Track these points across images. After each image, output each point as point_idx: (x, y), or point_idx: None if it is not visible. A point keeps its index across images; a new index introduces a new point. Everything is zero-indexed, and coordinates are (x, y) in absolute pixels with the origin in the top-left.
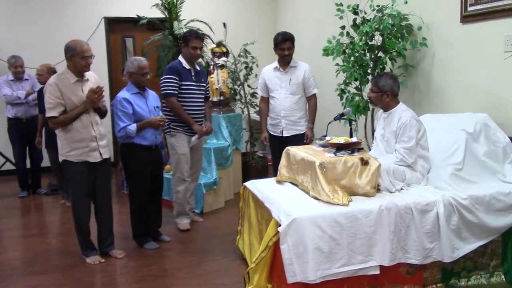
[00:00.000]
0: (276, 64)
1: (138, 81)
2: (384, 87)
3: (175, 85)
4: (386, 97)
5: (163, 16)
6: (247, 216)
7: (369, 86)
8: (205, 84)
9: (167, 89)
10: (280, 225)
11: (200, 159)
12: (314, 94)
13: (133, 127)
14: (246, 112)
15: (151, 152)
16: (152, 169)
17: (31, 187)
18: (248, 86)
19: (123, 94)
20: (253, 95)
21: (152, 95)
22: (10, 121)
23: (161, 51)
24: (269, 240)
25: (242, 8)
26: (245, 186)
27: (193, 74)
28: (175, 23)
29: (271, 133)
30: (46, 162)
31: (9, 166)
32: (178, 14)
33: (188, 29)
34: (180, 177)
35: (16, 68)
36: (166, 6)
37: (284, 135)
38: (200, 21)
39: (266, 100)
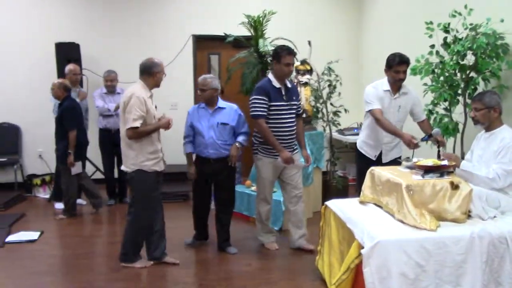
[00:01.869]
0: (387, 86)
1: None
2: (490, 102)
3: (264, 106)
4: (494, 112)
5: (249, 34)
6: (327, 236)
7: (459, 107)
8: (297, 102)
9: (255, 110)
10: (363, 247)
11: (295, 178)
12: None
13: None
14: (328, 131)
15: (209, 164)
16: (211, 180)
17: (118, 196)
18: (331, 104)
19: (191, 107)
20: (335, 113)
21: (225, 111)
22: (101, 131)
23: (245, 68)
24: (351, 262)
25: (326, 26)
26: (326, 205)
27: (283, 92)
28: (260, 41)
29: (363, 152)
30: None
31: (99, 175)
32: (264, 32)
33: (276, 46)
34: (262, 199)
35: (107, 82)
36: (252, 24)
37: (384, 161)
38: (285, 39)
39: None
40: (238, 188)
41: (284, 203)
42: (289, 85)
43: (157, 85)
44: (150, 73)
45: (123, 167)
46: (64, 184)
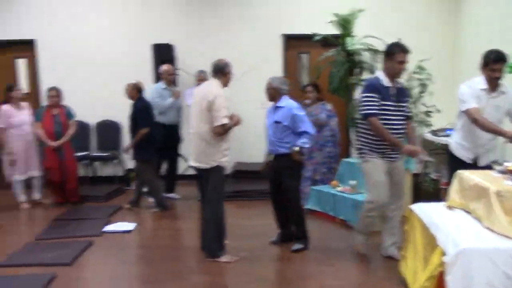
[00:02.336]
0: (484, 84)
1: None
2: None
3: (376, 103)
4: None
5: (337, 33)
6: (412, 241)
7: None
8: (405, 103)
9: (367, 108)
10: (446, 254)
11: (400, 183)
12: None
13: None
14: (419, 131)
15: (274, 160)
16: (278, 177)
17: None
18: (422, 104)
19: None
20: (427, 113)
21: (282, 110)
22: None
23: (333, 67)
24: (434, 269)
25: (417, 22)
26: (411, 209)
27: (392, 92)
28: (348, 39)
29: (457, 155)
30: None
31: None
32: (352, 30)
33: (390, 43)
34: (377, 207)
35: (199, 81)
36: (341, 22)
37: (481, 164)
38: (374, 36)
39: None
40: (324, 188)
41: None
42: (398, 85)
43: (227, 84)
44: (223, 73)
45: (196, 164)
46: (147, 181)
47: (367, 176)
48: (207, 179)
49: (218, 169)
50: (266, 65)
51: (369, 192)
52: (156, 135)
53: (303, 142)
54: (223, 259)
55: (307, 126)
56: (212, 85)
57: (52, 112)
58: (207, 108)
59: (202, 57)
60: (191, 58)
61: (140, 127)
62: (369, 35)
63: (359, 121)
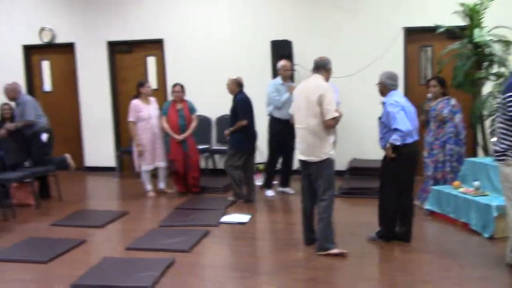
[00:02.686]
0: None
1: None
2: None
3: None
4: None
5: (463, 24)
6: None
7: None
8: None
9: None
10: None
11: None
12: None
13: None
14: None
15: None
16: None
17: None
18: None
19: None
20: None
21: (384, 107)
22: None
23: (458, 60)
24: None
25: None
26: None
27: None
28: (476, 31)
29: None
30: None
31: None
32: (480, 20)
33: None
34: None
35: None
36: (467, 13)
37: None
38: (506, 27)
39: None
40: (445, 188)
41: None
42: None
43: (328, 80)
44: (326, 69)
45: (305, 157)
46: (230, 171)
47: (506, 182)
48: (316, 173)
49: (328, 161)
50: (386, 59)
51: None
52: (274, 130)
53: (394, 139)
54: (334, 251)
55: (399, 123)
56: (319, 80)
57: (177, 107)
58: (318, 102)
59: (319, 53)
60: (308, 54)
61: (240, 118)
62: (501, 25)
63: (503, 121)
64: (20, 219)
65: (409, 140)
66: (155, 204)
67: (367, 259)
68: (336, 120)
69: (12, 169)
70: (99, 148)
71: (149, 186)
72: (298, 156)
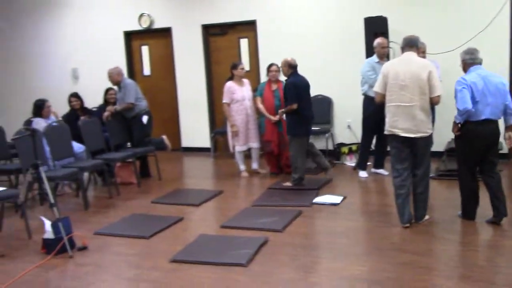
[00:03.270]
0: None
1: None
2: None
3: None
4: None
5: None
6: None
7: None
8: None
9: None
10: None
11: None
12: None
13: None
14: None
15: None
16: None
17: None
18: None
19: None
20: None
21: None
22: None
23: None
24: None
25: None
26: None
27: None
28: None
29: None
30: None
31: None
32: None
33: None
34: None
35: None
36: None
37: None
38: None
39: None
40: None
41: None
42: None
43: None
44: (417, 47)
45: (412, 134)
46: (293, 154)
47: None
48: (424, 149)
49: (431, 137)
50: (489, 33)
51: None
52: (369, 110)
53: (455, 117)
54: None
55: (458, 101)
56: (419, 58)
57: (272, 88)
58: (428, 79)
59: (416, 30)
60: (404, 31)
61: (288, 101)
62: None
63: None
64: (124, 197)
65: (474, 118)
66: (248, 184)
67: (468, 244)
68: (440, 97)
69: (115, 150)
70: (194, 129)
71: (242, 166)
72: (402, 134)
